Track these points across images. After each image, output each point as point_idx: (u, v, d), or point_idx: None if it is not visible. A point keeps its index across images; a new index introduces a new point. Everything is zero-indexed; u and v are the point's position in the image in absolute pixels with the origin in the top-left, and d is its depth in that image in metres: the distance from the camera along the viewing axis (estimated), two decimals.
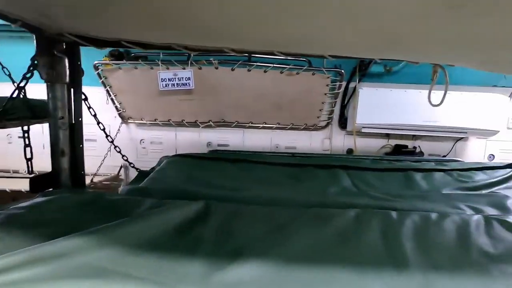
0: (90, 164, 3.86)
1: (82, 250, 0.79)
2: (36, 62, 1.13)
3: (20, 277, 0.68)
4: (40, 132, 3.74)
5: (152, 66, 3.08)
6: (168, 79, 3.08)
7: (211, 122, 3.74)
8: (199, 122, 3.73)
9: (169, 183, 1.53)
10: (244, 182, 1.68)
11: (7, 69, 1.60)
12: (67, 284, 0.70)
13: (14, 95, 1.07)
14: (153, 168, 2.00)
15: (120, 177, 3.83)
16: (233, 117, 3.71)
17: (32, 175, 1.30)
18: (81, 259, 0.77)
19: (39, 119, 1.89)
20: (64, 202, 1.06)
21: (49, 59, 1.14)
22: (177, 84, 3.12)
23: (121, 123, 3.75)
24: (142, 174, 1.77)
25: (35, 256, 0.72)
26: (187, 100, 3.39)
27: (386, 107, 3.32)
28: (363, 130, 3.44)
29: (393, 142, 3.68)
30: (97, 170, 3.47)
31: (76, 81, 1.26)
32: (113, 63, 3.06)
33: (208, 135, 3.90)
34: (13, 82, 1.72)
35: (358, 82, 3.30)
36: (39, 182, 1.24)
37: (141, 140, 3.85)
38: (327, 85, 3.25)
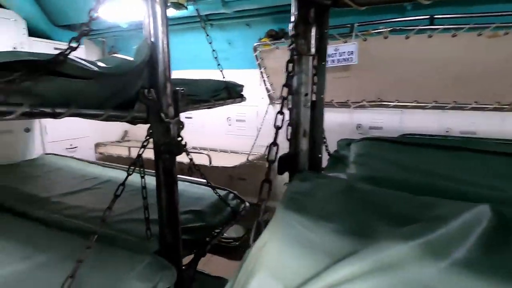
0: (241, 143, 4.18)
1: (406, 262, 0.62)
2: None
3: None
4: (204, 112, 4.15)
5: None
6: (328, 55, 2.84)
7: (364, 102, 3.34)
8: (351, 102, 3.40)
9: (385, 171, 1.31)
10: (482, 176, 1.28)
11: (215, 51, 1.66)
12: None
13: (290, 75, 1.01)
14: (336, 151, 1.82)
15: (265, 156, 3.95)
16: (393, 96, 3.20)
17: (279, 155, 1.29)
18: (409, 273, 0.61)
19: (232, 99, 1.99)
20: (329, 189, 0.97)
21: (304, 28, 1.05)
22: (338, 60, 2.85)
23: (269, 104, 3.81)
24: (334, 159, 1.61)
25: (371, 266, 0.60)
26: (341, 78, 3.09)
27: None
28: None
29: None
30: (251, 149, 3.66)
31: (322, 53, 1.14)
32: (272, 43, 3.04)
33: (359, 117, 3.53)
34: (218, 64, 1.79)
35: None
36: (283, 163, 1.22)
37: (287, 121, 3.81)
38: None
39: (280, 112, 1.07)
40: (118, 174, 2.81)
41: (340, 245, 0.66)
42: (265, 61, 3.27)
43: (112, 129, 4.53)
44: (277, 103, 3.74)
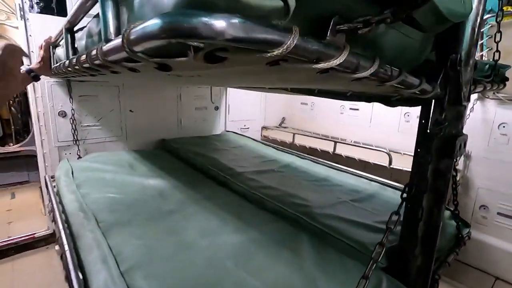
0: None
1: None
2: None
3: None
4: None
5: None
6: None
7: None
8: None
9: None
10: None
11: None
12: None
13: None
14: None
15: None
16: None
17: None
18: None
19: (496, 83, 1.43)
20: None
21: None
22: None
23: (476, 99, 2.90)
24: None
25: None
26: None
27: None
28: None
29: None
30: None
31: None
32: None
33: None
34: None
35: None
36: None
37: (501, 124, 2.81)
38: None
39: None
40: (295, 160, 2.74)
41: None
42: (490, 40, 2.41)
43: (273, 115, 4.68)
44: (493, 99, 2.79)
